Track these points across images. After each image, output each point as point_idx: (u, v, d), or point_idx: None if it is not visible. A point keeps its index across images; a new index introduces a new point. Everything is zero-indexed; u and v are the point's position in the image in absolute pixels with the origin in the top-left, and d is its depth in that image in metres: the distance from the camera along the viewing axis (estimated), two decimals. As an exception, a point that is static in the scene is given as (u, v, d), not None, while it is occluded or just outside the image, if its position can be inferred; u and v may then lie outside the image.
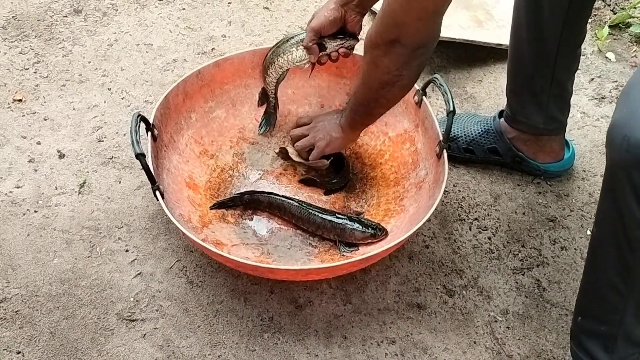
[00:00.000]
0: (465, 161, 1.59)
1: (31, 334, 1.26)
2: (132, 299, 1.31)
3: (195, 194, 1.45)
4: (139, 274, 1.35)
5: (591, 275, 1.10)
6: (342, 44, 1.39)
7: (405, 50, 1.12)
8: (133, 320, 1.28)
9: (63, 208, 1.46)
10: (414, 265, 1.40)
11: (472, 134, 1.57)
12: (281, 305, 1.32)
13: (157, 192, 1.25)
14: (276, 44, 1.46)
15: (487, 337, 1.29)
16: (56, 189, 1.50)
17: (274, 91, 1.54)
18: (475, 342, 1.28)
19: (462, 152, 1.58)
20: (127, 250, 1.39)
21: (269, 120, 1.58)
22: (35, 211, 1.45)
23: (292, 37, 1.42)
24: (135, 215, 1.46)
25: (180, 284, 1.34)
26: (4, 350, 1.23)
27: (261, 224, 1.44)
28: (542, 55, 1.39)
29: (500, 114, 1.56)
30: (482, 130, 1.57)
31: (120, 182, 1.52)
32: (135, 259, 1.38)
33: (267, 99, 1.56)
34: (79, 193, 1.50)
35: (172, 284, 1.34)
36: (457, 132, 1.57)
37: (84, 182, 1.51)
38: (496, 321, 1.31)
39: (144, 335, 1.26)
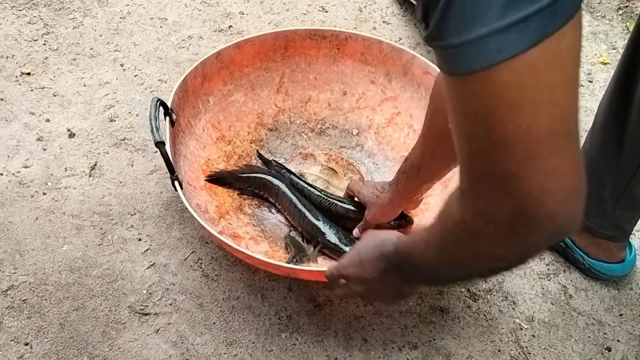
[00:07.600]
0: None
1: (40, 324, 1.21)
2: (145, 292, 1.26)
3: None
4: (152, 264, 1.30)
5: None
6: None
7: (543, 230, 0.58)
8: (146, 314, 1.23)
9: (73, 191, 1.40)
10: (437, 266, 1.35)
11: None
12: (299, 303, 1.27)
13: (176, 183, 1.19)
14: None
15: (512, 345, 1.25)
16: (66, 170, 1.44)
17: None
18: (499, 350, 1.24)
19: None
20: (139, 239, 1.34)
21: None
22: (44, 193, 1.39)
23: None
24: (149, 201, 1.40)
25: (195, 277, 1.29)
26: (11, 341, 1.18)
27: (279, 216, 1.39)
28: (618, 168, 1.20)
29: None
30: None
31: (132, 166, 1.46)
32: (149, 249, 1.32)
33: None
34: (90, 176, 1.43)
35: (187, 277, 1.29)
36: None
37: (95, 165, 1.45)
38: (521, 329, 1.27)
39: (157, 330, 1.21)
